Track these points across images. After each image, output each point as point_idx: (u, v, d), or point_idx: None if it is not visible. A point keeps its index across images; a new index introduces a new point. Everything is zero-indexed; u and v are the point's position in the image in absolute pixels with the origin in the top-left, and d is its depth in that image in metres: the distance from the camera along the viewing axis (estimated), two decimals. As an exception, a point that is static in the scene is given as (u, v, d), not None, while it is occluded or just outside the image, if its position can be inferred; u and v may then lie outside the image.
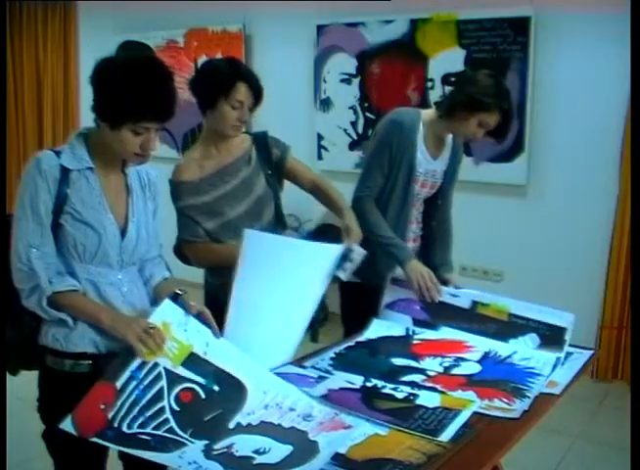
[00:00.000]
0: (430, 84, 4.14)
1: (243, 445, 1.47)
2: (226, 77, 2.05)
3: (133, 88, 1.53)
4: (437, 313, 2.21)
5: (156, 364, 1.53)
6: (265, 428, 1.54)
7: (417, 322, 2.21)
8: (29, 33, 6.21)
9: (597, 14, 3.54)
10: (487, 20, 3.86)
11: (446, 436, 1.52)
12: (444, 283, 2.42)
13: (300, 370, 1.89)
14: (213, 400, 1.57)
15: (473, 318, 2.16)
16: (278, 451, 1.44)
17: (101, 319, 1.59)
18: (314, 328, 2.24)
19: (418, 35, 4.13)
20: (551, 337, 2.04)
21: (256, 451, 1.44)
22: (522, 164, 3.90)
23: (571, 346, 2.11)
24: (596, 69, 3.63)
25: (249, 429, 1.53)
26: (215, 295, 2.06)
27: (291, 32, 4.70)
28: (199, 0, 4.88)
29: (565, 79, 3.74)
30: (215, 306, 1.78)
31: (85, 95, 6.08)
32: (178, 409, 1.51)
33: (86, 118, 6.68)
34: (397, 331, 2.17)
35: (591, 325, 3.76)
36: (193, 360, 1.59)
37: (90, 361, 1.64)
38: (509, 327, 2.10)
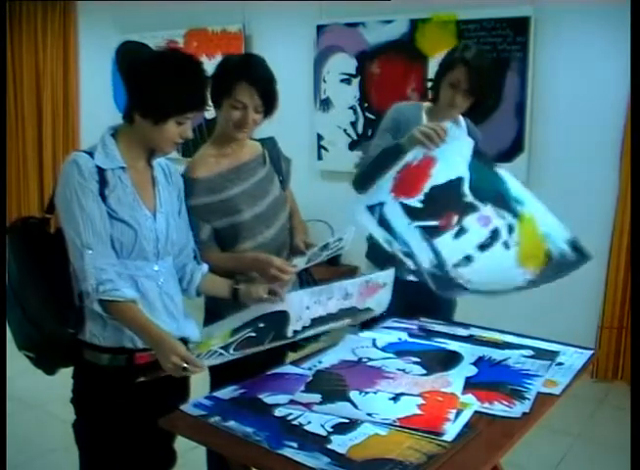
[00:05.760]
0: (430, 84, 4.14)
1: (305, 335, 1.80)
2: (228, 76, 1.98)
3: (180, 82, 1.61)
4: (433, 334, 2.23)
5: (209, 350, 1.61)
6: (318, 321, 1.82)
7: (412, 336, 2.20)
8: (29, 33, 6.22)
9: (597, 10, 3.54)
10: (487, 20, 3.86)
11: (449, 436, 1.52)
12: None
13: (299, 370, 1.89)
14: (264, 331, 1.72)
15: (468, 340, 2.18)
16: (338, 325, 1.86)
17: (144, 340, 1.63)
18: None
19: (418, 35, 4.13)
20: (544, 354, 2.05)
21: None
22: (522, 163, 3.89)
23: (571, 346, 2.12)
24: (596, 68, 3.63)
25: (305, 329, 1.79)
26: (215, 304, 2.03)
27: (291, 32, 4.71)
28: (199, 0, 4.88)
29: (564, 79, 3.74)
30: (215, 312, 1.82)
31: (85, 95, 6.09)
32: (239, 352, 1.66)
33: (86, 118, 6.72)
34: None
35: (591, 325, 3.76)
36: (237, 331, 1.67)
37: (127, 355, 1.69)
38: (504, 346, 2.12)
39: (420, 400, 1.70)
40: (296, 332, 1.78)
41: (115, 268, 1.63)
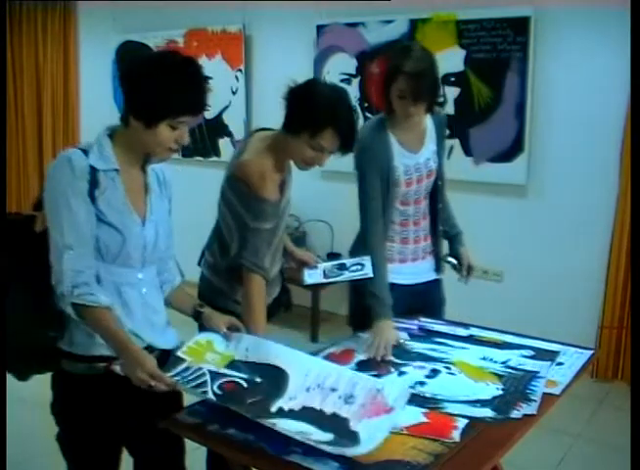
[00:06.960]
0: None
1: (284, 426, 1.47)
2: (317, 117, 1.86)
3: (172, 84, 1.54)
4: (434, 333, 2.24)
5: (200, 368, 1.59)
6: (307, 413, 1.55)
7: (413, 336, 2.21)
8: (29, 33, 6.21)
9: (597, 10, 3.54)
10: (487, 20, 3.86)
11: (456, 435, 1.52)
12: (457, 257, 2.52)
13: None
14: (256, 389, 1.62)
15: (468, 340, 2.19)
16: (319, 437, 1.45)
17: (112, 350, 1.57)
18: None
19: (418, 35, 4.13)
20: (545, 354, 2.06)
21: (298, 433, 1.45)
22: (522, 163, 3.89)
23: (571, 346, 2.12)
24: (596, 68, 3.63)
25: (290, 414, 1.55)
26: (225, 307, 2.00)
27: (291, 32, 4.70)
28: (199, 0, 4.88)
29: (564, 79, 3.74)
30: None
31: (85, 95, 6.09)
32: (221, 393, 1.57)
33: (86, 118, 6.69)
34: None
35: (591, 325, 3.76)
36: (235, 365, 1.65)
37: (105, 364, 1.62)
38: (504, 346, 2.14)
39: (425, 409, 1.68)
40: (280, 411, 1.56)
41: (93, 271, 1.56)
